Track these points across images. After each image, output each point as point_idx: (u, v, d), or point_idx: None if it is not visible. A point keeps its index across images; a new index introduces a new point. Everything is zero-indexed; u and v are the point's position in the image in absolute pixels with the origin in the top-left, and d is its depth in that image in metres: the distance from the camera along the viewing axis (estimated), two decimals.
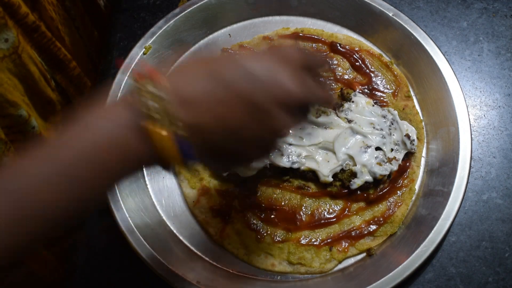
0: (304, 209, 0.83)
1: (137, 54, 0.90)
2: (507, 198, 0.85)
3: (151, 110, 0.48)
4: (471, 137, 0.83)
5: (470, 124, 0.84)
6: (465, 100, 0.85)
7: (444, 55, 0.88)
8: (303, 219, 0.83)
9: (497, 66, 0.95)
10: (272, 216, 0.83)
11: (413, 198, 0.84)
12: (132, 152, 0.49)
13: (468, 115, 0.84)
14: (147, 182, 0.87)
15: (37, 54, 0.72)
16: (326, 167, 0.83)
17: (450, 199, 0.79)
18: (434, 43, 0.89)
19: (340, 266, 0.81)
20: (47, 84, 0.75)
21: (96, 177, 0.49)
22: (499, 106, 0.92)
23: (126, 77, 0.87)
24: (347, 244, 0.81)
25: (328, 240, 0.81)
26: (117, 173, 0.50)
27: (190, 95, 0.50)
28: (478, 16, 0.99)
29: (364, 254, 0.82)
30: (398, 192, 0.84)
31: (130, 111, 0.49)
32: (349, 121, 0.86)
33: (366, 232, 0.81)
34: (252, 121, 0.52)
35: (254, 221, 0.83)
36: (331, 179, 0.83)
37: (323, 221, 0.82)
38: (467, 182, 0.80)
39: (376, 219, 0.82)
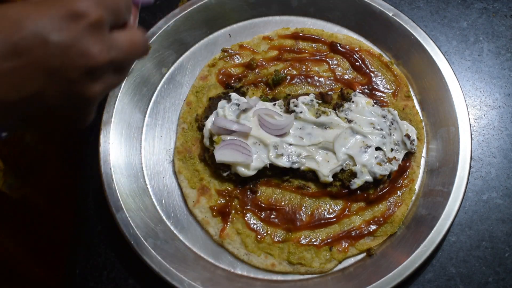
0: (304, 209, 0.83)
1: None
2: (507, 198, 0.85)
3: None
4: (471, 137, 0.83)
5: (470, 124, 0.84)
6: (465, 100, 0.85)
7: (444, 55, 0.88)
8: (303, 219, 0.83)
9: (497, 66, 0.95)
10: (272, 216, 0.83)
11: (413, 198, 0.84)
12: None
13: (468, 115, 0.84)
14: (147, 182, 0.87)
15: None
16: (326, 167, 0.83)
17: (450, 199, 0.79)
18: (434, 43, 0.89)
19: (340, 266, 0.81)
20: None
21: None
22: (499, 106, 0.92)
23: None
24: (347, 244, 0.81)
25: (328, 240, 0.81)
26: None
27: None
28: (478, 16, 0.99)
29: (364, 254, 0.82)
30: (398, 192, 0.84)
31: None
32: (349, 121, 0.85)
33: (366, 232, 0.82)
34: (51, 88, 0.49)
35: (254, 221, 0.83)
36: (331, 179, 0.83)
37: (323, 221, 0.83)
38: (467, 182, 0.80)
39: (376, 219, 0.82)
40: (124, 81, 0.88)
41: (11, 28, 0.46)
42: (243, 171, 0.82)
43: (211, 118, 0.86)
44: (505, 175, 0.87)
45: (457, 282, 0.80)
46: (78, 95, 0.51)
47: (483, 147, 0.89)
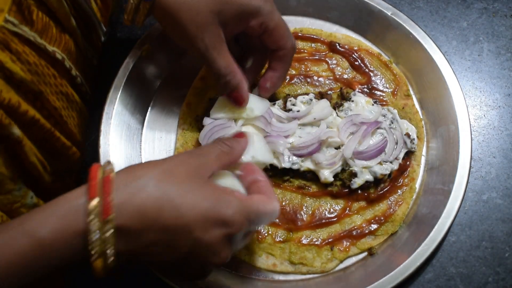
0: (305, 209, 0.83)
1: (136, 55, 0.90)
2: (507, 198, 0.85)
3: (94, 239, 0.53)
4: (471, 135, 0.83)
5: (469, 122, 0.84)
6: (464, 98, 0.85)
7: (443, 54, 0.88)
8: (304, 218, 0.83)
9: (497, 66, 0.95)
10: None
11: (414, 196, 0.84)
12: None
13: (468, 113, 0.84)
14: None
15: (34, 145, 0.72)
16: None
17: (451, 197, 0.79)
18: (433, 41, 0.89)
19: (342, 265, 0.81)
20: (44, 170, 0.75)
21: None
22: (499, 106, 0.92)
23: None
24: (348, 243, 0.81)
25: (329, 240, 0.81)
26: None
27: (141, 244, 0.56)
28: (478, 16, 0.99)
29: (365, 254, 0.82)
30: (399, 191, 0.84)
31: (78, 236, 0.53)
32: None
33: (367, 231, 0.81)
34: (192, 257, 0.58)
35: None
36: (331, 179, 0.82)
37: (324, 220, 0.82)
38: (468, 180, 0.80)
39: (377, 218, 0.82)
40: (123, 83, 0.88)
41: (170, 213, 0.55)
42: None
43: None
44: (505, 175, 0.87)
45: (457, 282, 0.80)
46: (211, 262, 0.61)
47: (483, 147, 0.89)
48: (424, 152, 0.88)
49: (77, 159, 0.82)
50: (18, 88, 0.67)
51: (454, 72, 0.87)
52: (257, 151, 0.74)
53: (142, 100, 0.92)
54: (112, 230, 0.53)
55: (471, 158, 0.82)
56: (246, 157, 0.71)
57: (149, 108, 0.93)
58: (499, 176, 0.87)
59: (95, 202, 0.53)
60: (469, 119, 0.84)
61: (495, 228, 0.83)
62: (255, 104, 0.82)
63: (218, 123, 0.82)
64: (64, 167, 0.81)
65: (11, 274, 0.51)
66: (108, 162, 0.57)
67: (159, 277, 0.76)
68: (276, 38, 0.79)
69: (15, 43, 0.66)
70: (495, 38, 0.98)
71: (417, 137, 0.87)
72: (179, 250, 0.57)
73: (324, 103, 0.86)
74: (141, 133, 0.91)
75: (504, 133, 0.90)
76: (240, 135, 0.70)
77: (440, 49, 0.89)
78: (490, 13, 1.00)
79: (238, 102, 0.80)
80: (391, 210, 0.83)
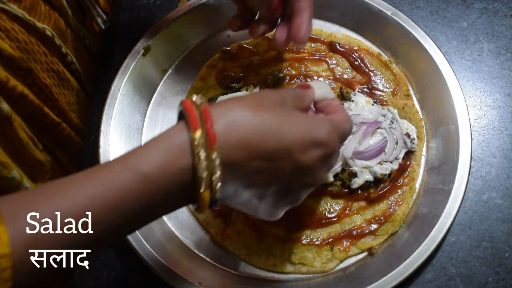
0: (304, 209, 0.83)
1: (136, 54, 0.90)
2: (507, 198, 0.85)
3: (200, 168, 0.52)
4: (471, 134, 0.83)
5: (469, 121, 0.84)
6: (464, 98, 0.85)
7: (443, 54, 0.88)
8: (304, 219, 0.83)
9: (497, 66, 0.95)
10: None
11: (414, 196, 0.84)
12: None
13: (468, 112, 0.84)
14: None
15: (23, 120, 0.72)
16: None
17: (451, 197, 0.79)
18: (433, 41, 0.89)
19: (342, 265, 0.81)
20: (35, 146, 0.75)
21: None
22: (499, 106, 0.92)
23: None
24: (348, 243, 0.81)
25: (330, 240, 0.81)
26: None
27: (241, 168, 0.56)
28: (478, 16, 0.99)
29: (365, 253, 0.82)
30: (399, 191, 0.84)
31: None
32: None
33: (367, 231, 0.81)
34: (294, 180, 0.60)
35: (255, 222, 0.82)
36: (331, 179, 0.82)
37: (324, 220, 0.82)
38: (468, 180, 0.80)
39: (377, 218, 0.82)
40: (123, 83, 0.88)
41: (271, 139, 0.56)
42: None
43: None
44: (505, 175, 0.87)
45: (457, 282, 0.80)
46: (307, 184, 0.63)
47: (483, 147, 0.89)
48: (424, 152, 0.88)
49: (67, 135, 0.83)
50: (7, 65, 0.68)
51: (453, 70, 0.87)
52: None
53: (142, 100, 0.92)
54: (218, 160, 0.52)
55: (471, 158, 0.82)
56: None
57: (149, 108, 0.93)
58: (499, 176, 0.87)
59: (199, 133, 0.52)
60: (469, 119, 0.84)
61: (495, 228, 0.83)
62: None
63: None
64: (52, 144, 0.81)
65: (118, 210, 0.51)
66: (197, 95, 0.57)
67: (159, 276, 0.76)
68: None
69: (3, 20, 0.66)
70: (495, 38, 0.98)
71: (417, 137, 0.86)
72: (281, 174, 0.57)
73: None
74: (141, 133, 0.91)
75: (504, 133, 0.90)
76: (306, 86, 0.70)
77: (440, 49, 0.89)
78: (490, 13, 1.00)
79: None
80: (391, 210, 0.83)
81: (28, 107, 0.72)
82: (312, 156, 0.58)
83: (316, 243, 0.81)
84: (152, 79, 0.93)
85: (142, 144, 0.55)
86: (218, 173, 0.53)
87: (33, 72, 0.72)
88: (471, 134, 0.83)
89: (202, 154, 0.52)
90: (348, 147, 0.81)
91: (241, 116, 0.55)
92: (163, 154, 0.52)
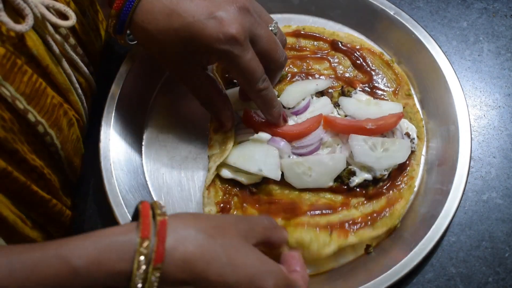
0: (303, 201, 0.81)
1: (136, 54, 0.90)
2: (507, 198, 0.85)
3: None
4: (471, 135, 0.83)
5: (470, 123, 0.84)
6: (465, 99, 0.85)
7: (444, 54, 0.88)
8: (303, 208, 0.80)
9: (497, 66, 0.95)
10: (271, 208, 0.81)
11: (413, 195, 0.84)
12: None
13: (468, 113, 0.84)
14: (147, 179, 0.87)
15: (8, 198, 0.67)
16: None
17: (449, 197, 0.79)
18: (435, 41, 0.89)
19: (338, 263, 0.80)
20: (24, 224, 0.71)
21: None
22: (499, 106, 0.92)
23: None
24: (347, 229, 0.79)
25: (328, 226, 0.79)
26: None
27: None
28: (478, 16, 1.00)
29: (362, 252, 0.81)
30: (398, 188, 0.83)
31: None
32: None
33: (366, 223, 0.80)
34: None
35: (253, 212, 0.81)
36: (331, 184, 0.82)
37: (323, 211, 0.80)
38: (467, 181, 0.80)
39: (375, 213, 0.81)
40: (123, 84, 0.88)
41: (216, 270, 0.54)
42: (248, 177, 0.82)
43: None
44: (505, 175, 0.87)
45: (457, 282, 0.80)
46: None
47: (483, 147, 0.89)
48: (424, 152, 0.87)
49: (58, 211, 0.78)
50: None
51: (455, 71, 0.87)
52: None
53: (142, 100, 0.92)
54: (158, 275, 0.51)
55: (470, 158, 0.82)
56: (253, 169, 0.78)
57: (149, 108, 0.92)
58: (499, 176, 0.87)
59: (146, 243, 0.51)
60: (469, 119, 0.84)
61: (495, 228, 0.83)
62: None
63: None
64: (44, 219, 0.76)
65: None
66: (159, 202, 0.56)
67: None
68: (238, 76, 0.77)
69: None
70: (495, 38, 0.98)
71: (417, 136, 0.86)
72: None
73: (325, 100, 0.85)
74: (141, 133, 0.91)
75: (504, 133, 0.90)
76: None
77: (441, 49, 0.89)
78: (490, 13, 1.00)
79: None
80: (390, 205, 0.81)
81: (13, 185, 0.66)
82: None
83: (315, 227, 0.78)
84: (153, 76, 0.94)
85: (84, 234, 0.53)
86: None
87: (18, 153, 0.66)
88: (471, 134, 0.83)
89: (143, 266, 0.50)
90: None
91: (195, 237, 0.54)
92: (101, 252, 0.50)
